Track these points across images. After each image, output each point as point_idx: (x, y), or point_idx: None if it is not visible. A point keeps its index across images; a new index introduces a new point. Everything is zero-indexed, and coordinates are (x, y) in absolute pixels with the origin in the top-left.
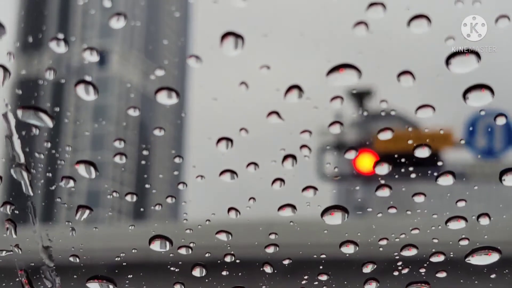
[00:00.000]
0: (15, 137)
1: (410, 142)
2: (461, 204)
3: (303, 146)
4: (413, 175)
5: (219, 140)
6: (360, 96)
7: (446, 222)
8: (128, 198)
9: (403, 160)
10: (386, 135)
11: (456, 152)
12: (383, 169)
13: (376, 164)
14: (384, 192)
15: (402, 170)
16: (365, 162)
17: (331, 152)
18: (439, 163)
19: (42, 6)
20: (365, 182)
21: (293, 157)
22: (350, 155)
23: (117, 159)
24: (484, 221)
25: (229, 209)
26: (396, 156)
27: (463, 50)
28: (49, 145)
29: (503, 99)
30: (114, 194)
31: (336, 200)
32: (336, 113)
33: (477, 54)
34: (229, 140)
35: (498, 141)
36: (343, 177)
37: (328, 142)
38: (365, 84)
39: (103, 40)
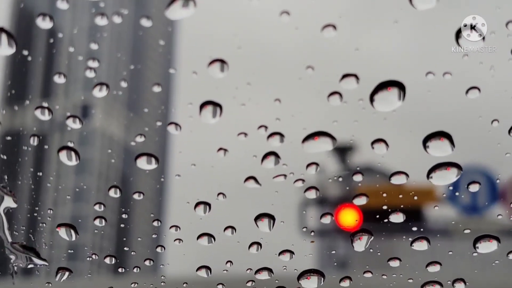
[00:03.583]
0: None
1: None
2: (436, 268)
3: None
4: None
5: (197, 204)
6: (343, 152)
7: (422, 286)
8: (107, 260)
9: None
10: (361, 201)
11: (438, 208)
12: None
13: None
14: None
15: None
16: (348, 217)
17: (313, 208)
18: (414, 228)
19: (25, 64)
20: (348, 238)
21: (272, 219)
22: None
23: (97, 222)
24: (460, 286)
25: (207, 272)
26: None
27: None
28: (30, 206)
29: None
30: (94, 256)
31: (318, 256)
32: (319, 169)
33: (450, 139)
34: (207, 204)
35: (481, 198)
36: (325, 233)
37: (311, 197)
38: (347, 140)
39: (86, 94)
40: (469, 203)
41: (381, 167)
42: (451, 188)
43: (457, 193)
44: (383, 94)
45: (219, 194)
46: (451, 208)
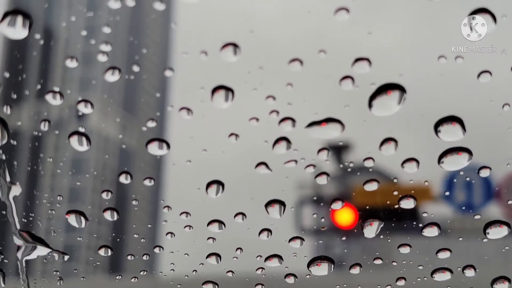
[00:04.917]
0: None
1: (391, 195)
2: (445, 255)
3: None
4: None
5: (210, 183)
6: (339, 150)
7: (432, 273)
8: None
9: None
10: (372, 186)
11: (435, 206)
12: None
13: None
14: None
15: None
16: (345, 216)
17: (310, 206)
18: (424, 214)
19: (22, 60)
20: (345, 237)
21: (282, 205)
22: (336, 205)
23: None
24: (470, 272)
25: (217, 260)
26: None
27: (450, 117)
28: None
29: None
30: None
31: (316, 254)
32: (316, 167)
33: (461, 123)
34: (220, 184)
35: (477, 196)
36: (321, 231)
37: (307, 196)
38: (345, 138)
39: (82, 94)
40: (465, 202)
41: (378, 167)
42: (448, 180)
43: (457, 177)
44: (383, 98)
45: (230, 179)
46: (447, 206)
